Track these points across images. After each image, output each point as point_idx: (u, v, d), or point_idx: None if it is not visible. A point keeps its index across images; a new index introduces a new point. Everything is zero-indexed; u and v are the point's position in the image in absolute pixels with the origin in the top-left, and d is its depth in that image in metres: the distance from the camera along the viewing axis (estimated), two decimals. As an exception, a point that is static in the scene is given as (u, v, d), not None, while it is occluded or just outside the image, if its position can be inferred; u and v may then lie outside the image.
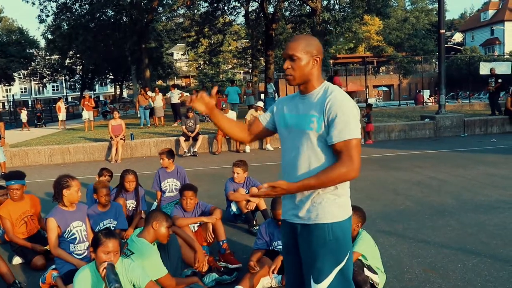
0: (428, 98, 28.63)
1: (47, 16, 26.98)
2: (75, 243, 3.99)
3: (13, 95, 45.24)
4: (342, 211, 2.22)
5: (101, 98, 63.48)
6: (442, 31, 13.61)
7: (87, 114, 18.11)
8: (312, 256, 2.21)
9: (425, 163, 9.09)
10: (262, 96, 26.04)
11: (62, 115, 21.32)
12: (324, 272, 2.18)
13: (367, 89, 31.04)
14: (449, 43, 60.42)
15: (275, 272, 3.73)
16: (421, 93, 27.00)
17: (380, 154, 10.51)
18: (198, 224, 4.59)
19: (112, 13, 26.41)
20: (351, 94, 39.11)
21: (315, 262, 2.20)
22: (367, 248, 3.55)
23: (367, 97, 33.15)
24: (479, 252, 4.31)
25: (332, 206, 2.20)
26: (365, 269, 3.43)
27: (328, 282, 2.18)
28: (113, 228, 4.59)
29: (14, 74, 44.21)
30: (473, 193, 6.54)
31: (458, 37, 69.75)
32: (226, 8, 27.02)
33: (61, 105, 21.50)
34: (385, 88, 46.46)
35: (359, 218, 3.59)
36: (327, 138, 2.15)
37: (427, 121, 13.67)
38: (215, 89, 2.46)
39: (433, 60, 41.34)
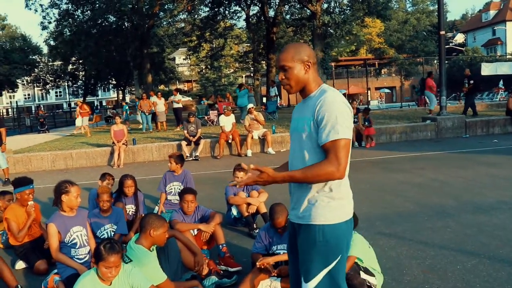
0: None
1: (50, 22, 27.22)
2: (76, 247, 4.04)
3: (16, 102, 45.43)
4: (335, 214, 2.25)
5: (104, 103, 63.76)
6: (442, 32, 13.66)
7: (80, 121, 18.15)
8: (304, 255, 2.30)
9: (426, 165, 9.10)
10: (264, 99, 26.11)
11: (83, 120, 21.46)
12: (312, 272, 2.25)
13: (368, 91, 31.01)
14: (450, 44, 60.38)
15: (275, 275, 3.73)
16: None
17: (381, 156, 10.52)
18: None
19: (114, 19, 26.58)
20: (353, 96, 39.19)
21: (305, 261, 2.29)
22: (361, 250, 3.57)
23: (369, 99, 33.14)
24: (478, 253, 4.33)
25: (325, 208, 2.25)
26: (361, 272, 3.44)
27: (316, 282, 2.24)
28: (113, 233, 4.64)
29: (17, 80, 44.40)
30: (473, 194, 6.55)
31: (459, 38, 69.69)
32: (227, 12, 27.19)
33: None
34: (387, 90, 46.49)
35: None
36: (318, 139, 2.21)
37: (429, 123, 13.66)
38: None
39: (435, 62, 41.28)
